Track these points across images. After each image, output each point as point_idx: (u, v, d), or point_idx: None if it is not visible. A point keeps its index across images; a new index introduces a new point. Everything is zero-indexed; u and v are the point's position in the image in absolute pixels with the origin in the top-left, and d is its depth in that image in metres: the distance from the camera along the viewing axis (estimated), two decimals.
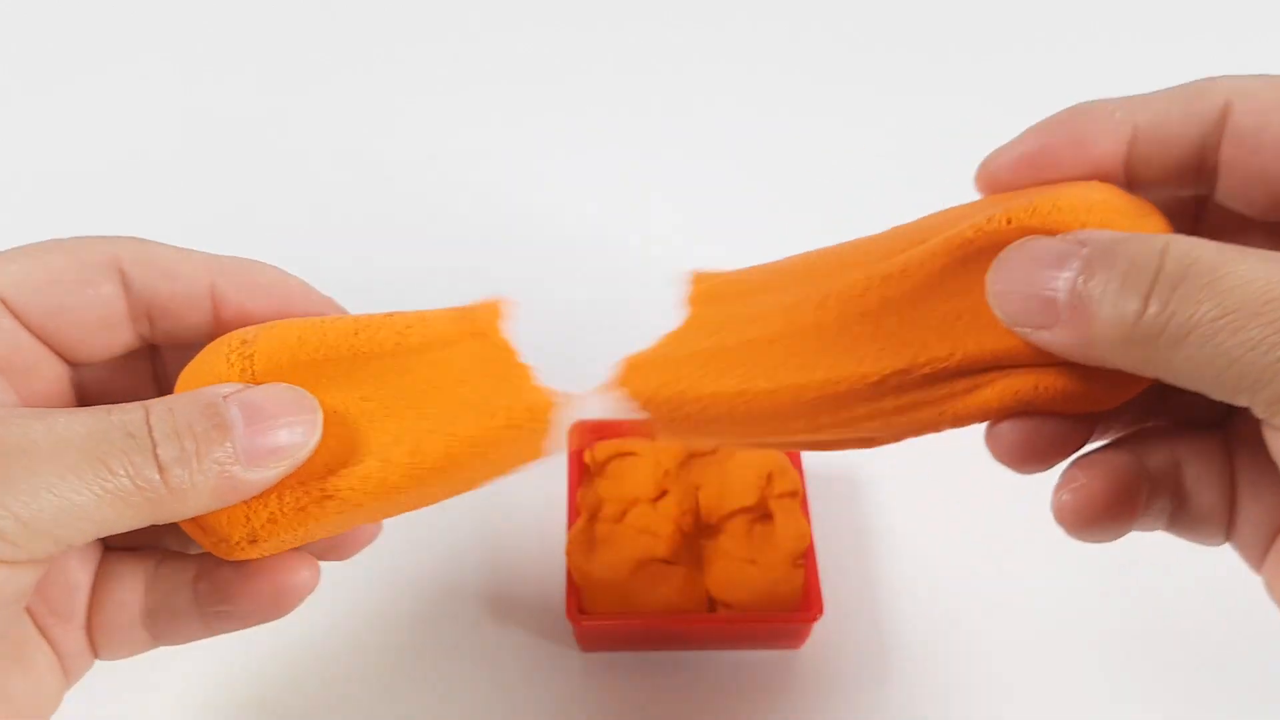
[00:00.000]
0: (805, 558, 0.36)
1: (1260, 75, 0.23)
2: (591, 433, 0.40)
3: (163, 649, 0.27)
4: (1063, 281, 0.21)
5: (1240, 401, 0.20)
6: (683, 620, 0.36)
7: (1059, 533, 0.40)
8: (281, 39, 0.62)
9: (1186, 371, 0.20)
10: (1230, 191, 0.24)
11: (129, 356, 0.27)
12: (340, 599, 0.38)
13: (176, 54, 0.61)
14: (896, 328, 0.24)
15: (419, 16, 0.63)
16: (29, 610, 0.25)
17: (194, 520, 0.23)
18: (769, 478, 0.38)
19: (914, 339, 0.24)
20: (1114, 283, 0.20)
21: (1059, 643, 0.38)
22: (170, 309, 0.26)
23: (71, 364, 0.26)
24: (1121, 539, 0.40)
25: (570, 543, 0.36)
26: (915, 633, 0.38)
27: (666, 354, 0.27)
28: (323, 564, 0.40)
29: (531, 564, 0.39)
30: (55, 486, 0.20)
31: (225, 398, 0.23)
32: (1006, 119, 0.27)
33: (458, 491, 0.26)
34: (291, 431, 0.23)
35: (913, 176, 0.53)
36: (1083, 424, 0.25)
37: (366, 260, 0.50)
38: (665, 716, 0.36)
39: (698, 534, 0.38)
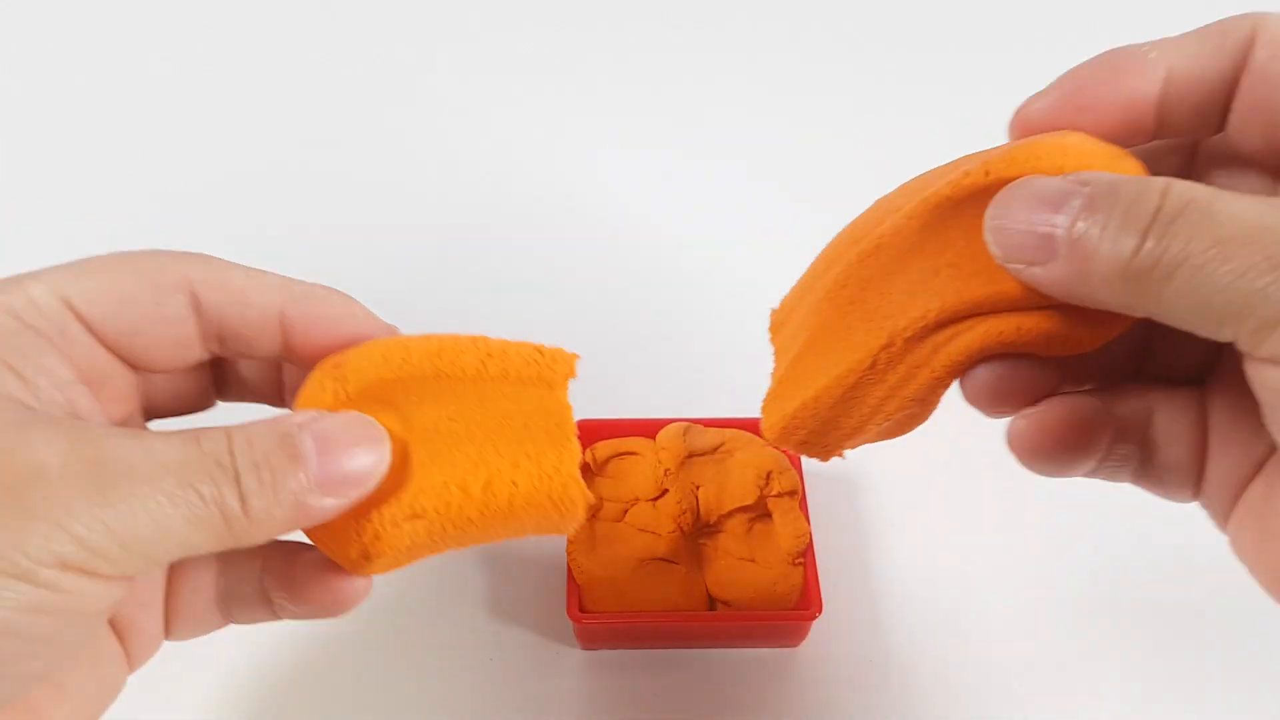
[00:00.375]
0: (804, 556, 0.37)
1: None
2: (591, 433, 0.40)
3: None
4: (1063, 218, 0.21)
5: (1225, 334, 0.20)
6: (682, 618, 0.36)
7: (1058, 533, 0.40)
8: (297, 40, 0.62)
9: (1177, 305, 0.20)
10: (1237, 125, 0.24)
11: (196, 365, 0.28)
12: None
13: (197, 58, 0.61)
14: (879, 304, 0.25)
15: (449, 24, 0.63)
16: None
17: (318, 538, 0.25)
18: (768, 477, 0.38)
19: (894, 309, 0.24)
20: (1115, 220, 0.20)
21: (1057, 641, 0.38)
22: (241, 333, 0.26)
23: (140, 370, 0.27)
24: (1128, 537, 0.40)
25: (571, 541, 0.37)
26: (913, 631, 0.38)
27: (771, 391, 0.28)
28: None
29: (532, 562, 0.39)
30: (152, 510, 0.21)
31: (300, 426, 0.23)
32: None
33: (493, 540, 0.26)
34: (361, 461, 0.24)
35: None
36: (1055, 369, 0.25)
37: (387, 268, 0.50)
38: (665, 714, 0.36)
39: (697, 533, 0.38)
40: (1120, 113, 0.24)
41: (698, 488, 0.38)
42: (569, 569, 0.36)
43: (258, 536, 0.23)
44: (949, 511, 0.41)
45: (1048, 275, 0.22)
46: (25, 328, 0.23)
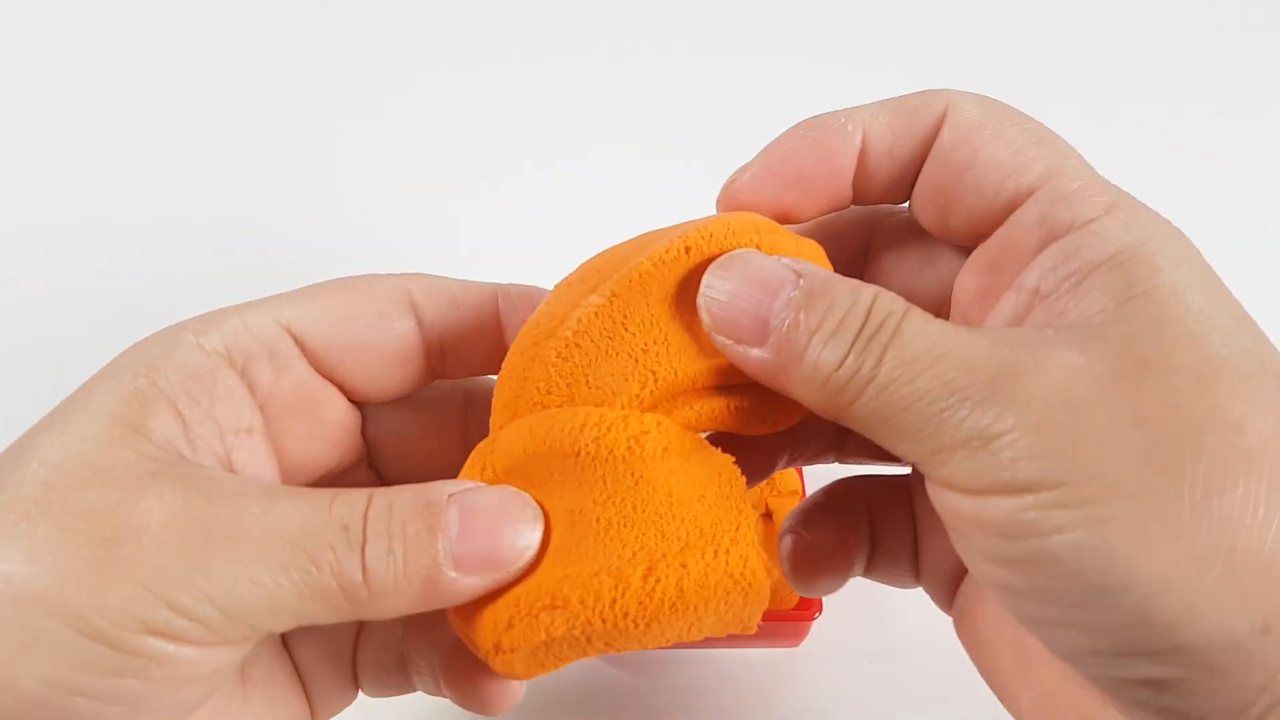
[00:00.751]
0: None
1: (978, 95, 0.24)
2: None
3: None
4: (779, 308, 0.21)
5: (905, 451, 0.20)
6: None
7: None
8: (270, 56, 0.62)
9: (862, 418, 0.21)
10: (918, 202, 0.25)
11: (435, 403, 0.27)
12: None
13: (181, 70, 0.61)
14: (589, 394, 0.23)
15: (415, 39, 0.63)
16: (290, 652, 0.26)
17: (459, 623, 0.23)
18: (769, 477, 0.38)
19: (606, 395, 0.23)
20: (828, 327, 0.21)
21: None
22: (461, 335, 0.25)
23: (362, 403, 0.26)
24: None
25: None
26: (913, 631, 0.38)
27: None
28: None
29: None
30: (257, 577, 0.20)
31: (450, 496, 0.22)
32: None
33: (661, 643, 0.23)
34: (507, 539, 0.22)
35: None
36: (769, 451, 0.26)
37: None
38: (665, 714, 0.36)
39: None
40: (824, 185, 0.25)
41: None
42: None
43: (383, 611, 0.21)
44: None
45: (752, 359, 0.22)
46: (220, 366, 0.23)
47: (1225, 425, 0.18)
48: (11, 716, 0.19)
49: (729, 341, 0.22)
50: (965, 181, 0.23)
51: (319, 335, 0.24)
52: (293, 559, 0.20)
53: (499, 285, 0.26)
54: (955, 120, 0.23)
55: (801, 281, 0.21)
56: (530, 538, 0.22)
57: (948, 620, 0.38)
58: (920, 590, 0.39)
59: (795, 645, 0.37)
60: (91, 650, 0.19)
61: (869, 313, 0.21)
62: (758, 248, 0.23)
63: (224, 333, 0.23)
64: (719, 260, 0.22)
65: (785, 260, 0.22)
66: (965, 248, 0.25)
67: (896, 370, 0.20)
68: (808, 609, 0.36)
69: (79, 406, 0.21)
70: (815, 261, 0.24)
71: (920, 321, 0.20)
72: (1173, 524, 0.18)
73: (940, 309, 0.26)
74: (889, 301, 0.21)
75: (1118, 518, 0.18)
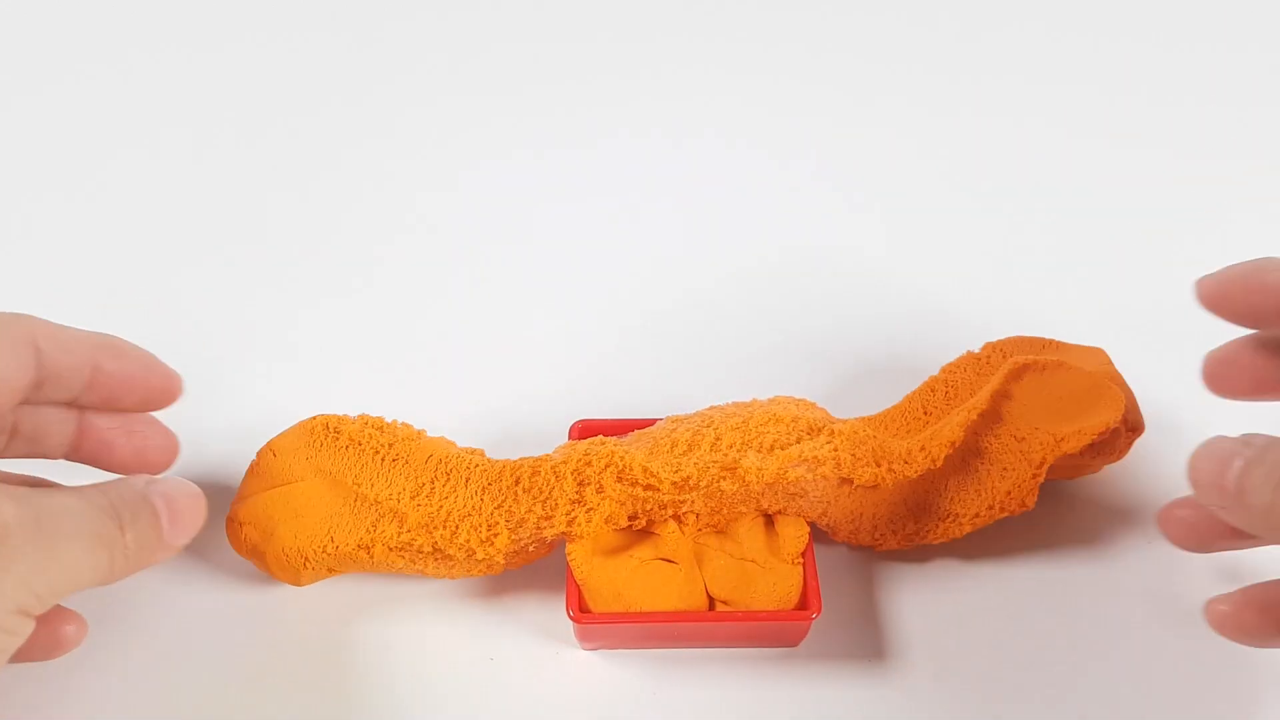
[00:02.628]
0: (804, 556, 0.37)
1: None
2: (592, 433, 0.40)
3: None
4: (1231, 474, 0.27)
5: None
6: (682, 618, 0.36)
7: (1057, 531, 0.40)
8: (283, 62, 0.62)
9: None
10: None
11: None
12: (339, 598, 0.39)
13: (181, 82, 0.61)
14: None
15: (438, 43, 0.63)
16: None
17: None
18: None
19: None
20: (1268, 483, 0.26)
21: (1058, 641, 0.38)
22: (61, 379, 0.32)
23: None
24: (1115, 537, 0.41)
25: (570, 541, 0.37)
26: (913, 632, 0.38)
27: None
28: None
29: (532, 563, 0.39)
30: (70, 568, 0.26)
31: (148, 484, 0.29)
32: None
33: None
34: (194, 514, 0.30)
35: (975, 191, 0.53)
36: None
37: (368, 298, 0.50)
38: (665, 714, 0.36)
39: (698, 533, 0.38)
40: (1260, 312, 0.30)
41: None
42: (569, 569, 0.36)
43: (129, 574, 0.28)
44: None
45: (1229, 517, 0.28)
46: None
47: None
48: None
49: (1214, 508, 0.28)
50: None
51: None
52: (96, 548, 0.27)
53: (95, 335, 0.32)
54: None
55: (1249, 452, 0.27)
56: (202, 506, 0.30)
57: (948, 621, 0.39)
58: (920, 590, 0.39)
59: (795, 646, 0.38)
60: None
61: None
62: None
63: None
64: (1196, 451, 0.28)
65: (1244, 436, 0.28)
66: None
67: None
68: (807, 609, 0.36)
69: None
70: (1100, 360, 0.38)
71: None
72: None
73: None
74: None
75: None
